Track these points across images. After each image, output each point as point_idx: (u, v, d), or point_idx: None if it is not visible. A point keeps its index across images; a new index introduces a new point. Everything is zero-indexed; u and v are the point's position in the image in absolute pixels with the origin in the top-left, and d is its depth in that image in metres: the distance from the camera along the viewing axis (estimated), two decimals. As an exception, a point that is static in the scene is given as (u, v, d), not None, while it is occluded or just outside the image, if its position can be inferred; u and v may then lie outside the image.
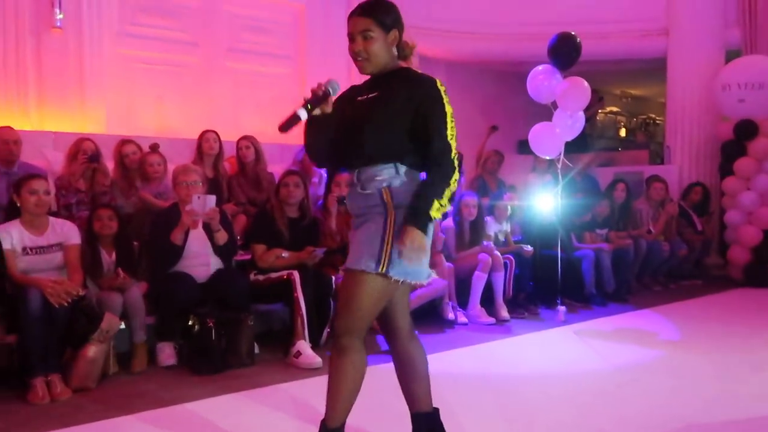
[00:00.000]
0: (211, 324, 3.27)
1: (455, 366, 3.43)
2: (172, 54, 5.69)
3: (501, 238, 4.94)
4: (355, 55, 1.95)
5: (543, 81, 4.64)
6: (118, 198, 4.07)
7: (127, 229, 3.62)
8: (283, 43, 6.38)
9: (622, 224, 5.84)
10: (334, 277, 3.80)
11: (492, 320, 4.45)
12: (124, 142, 4.31)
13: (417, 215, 1.85)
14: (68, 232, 3.22)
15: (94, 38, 5.20)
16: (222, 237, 3.59)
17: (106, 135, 4.77)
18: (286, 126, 1.91)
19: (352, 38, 1.94)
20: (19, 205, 3.13)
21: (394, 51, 1.98)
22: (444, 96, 1.91)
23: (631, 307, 5.12)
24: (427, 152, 1.90)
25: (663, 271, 6.17)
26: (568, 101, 4.57)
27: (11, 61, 4.79)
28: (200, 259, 3.60)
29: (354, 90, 2.06)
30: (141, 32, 5.49)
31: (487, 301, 4.57)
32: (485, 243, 4.63)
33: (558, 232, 4.71)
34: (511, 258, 4.72)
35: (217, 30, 5.95)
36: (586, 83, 4.59)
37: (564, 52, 4.54)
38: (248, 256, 3.98)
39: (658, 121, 12.49)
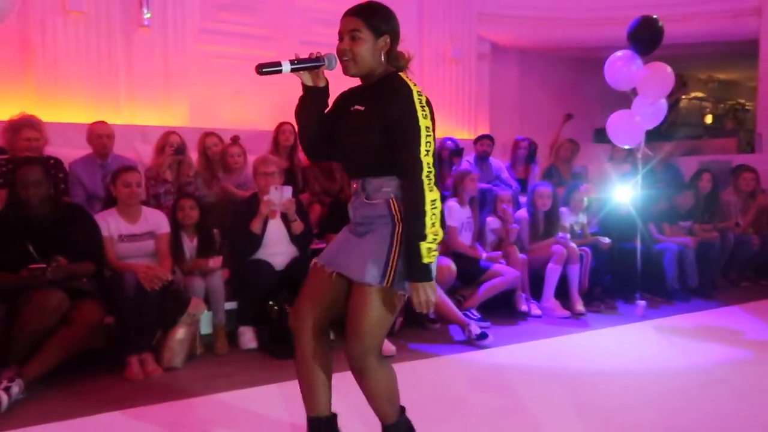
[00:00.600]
0: (288, 310, 3.39)
1: (528, 359, 3.40)
2: (249, 49, 5.88)
3: (577, 229, 4.82)
4: (339, 54, 1.87)
5: (622, 67, 4.46)
6: (201, 188, 4.27)
7: (208, 218, 3.80)
8: None
9: (707, 216, 5.54)
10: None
11: (567, 313, 4.36)
12: (207, 134, 4.51)
13: (413, 270, 1.78)
14: (159, 222, 3.43)
15: (178, 36, 5.46)
16: (298, 227, 3.71)
17: (189, 128, 5.01)
18: (264, 67, 1.81)
19: (340, 37, 1.87)
20: (114, 195, 3.35)
21: (382, 58, 1.88)
22: (418, 107, 1.78)
23: (716, 303, 4.87)
24: (399, 171, 1.80)
25: (752, 266, 5.83)
26: (648, 88, 4.38)
27: (104, 59, 5.10)
28: (278, 247, 3.73)
29: (349, 96, 1.97)
30: (220, 29, 5.72)
31: (562, 293, 4.49)
32: (560, 234, 4.54)
33: (637, 224, 4.55)
34: (587, 250, 4.60)
35: (291, 24, 6.09)
36: (669, 69, 4.38)
37: (645, 37, 4.35)
38: (323, 245, 4.08)
39: (747, 107, 11.75)
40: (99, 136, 4.14)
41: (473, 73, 7.43)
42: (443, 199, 1.96)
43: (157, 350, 3.14)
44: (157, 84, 5.35)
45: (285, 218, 3.71)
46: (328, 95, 1.97)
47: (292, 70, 1.86)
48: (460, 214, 4.31)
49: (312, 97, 1.94)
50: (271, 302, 3.51)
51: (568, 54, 8.45)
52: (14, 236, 2.92)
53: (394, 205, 1.84)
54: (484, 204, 4.72)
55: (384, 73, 1.89)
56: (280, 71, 1.83)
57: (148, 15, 5.17)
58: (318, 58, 1.87)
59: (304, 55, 1.88)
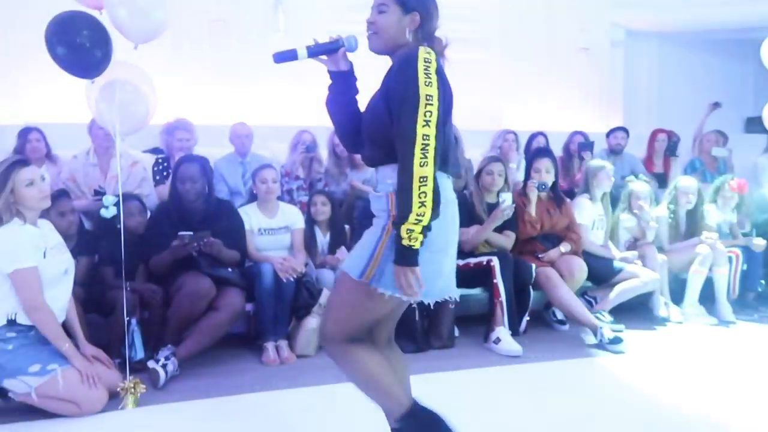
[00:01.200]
0: (414, 305, 3.43)
1: (665, 370, 3.16)
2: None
3: (725, 229, 4.41)
4: (367, 27, 1.76)
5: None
6: (331, 184, 4.44)
7: (339, 213, 3.94)
8: (481, 29, 6.36)
9: None
10: (534, 265, 3.73)
11: (713, 321, 4.01)
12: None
13: (397, 251, 1.60)
14: (295, 217, 3.62)
15: (309, 38, 5.69)
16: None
17: (320, 126, 5.21)
18: (280, 56, 1.76)
19: (371, 9, 1.76)
20: (255, 191, 3.59)
21: (408, 35, 1.73)
22: (421, 72, 1.58)
23: None
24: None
25: None
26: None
27: (243, 64, 5.45)
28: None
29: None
30: (349, 29, 5.88)
31: (707, 299, 4.12)
32: (706, 234, 4.17)
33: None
34: (738, 252, 4.19)
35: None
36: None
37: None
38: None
39: None
40: (239, 135, 4.44)
41: (605, 62, 7.03)
42: (459, 185, 1.85)
43: (291, 338, 3.31)
44: (290, 85, 5.62)
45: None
46: (355, 79, 1.85)
47: (310, 56, 1.78)
48: (591, 211, 4.11)
49: (338, 83, 1.83)
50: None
51: (714, 36, 7.71)
52: (172, 227, 3.22)
53: (392, 199, 1.67)
54: (616, 200, 4.46)
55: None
56: (295, 57, 1.76)
57: (281, 20, 5.45)
58: (336, 40, 1.79)
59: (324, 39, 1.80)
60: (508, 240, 3.78)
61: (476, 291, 3.80)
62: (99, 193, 3.56)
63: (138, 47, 2.75)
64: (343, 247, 3.67)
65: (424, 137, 1.56)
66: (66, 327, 2.67)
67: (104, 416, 2.53)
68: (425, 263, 1.63)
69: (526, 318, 3.68)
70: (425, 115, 1.57)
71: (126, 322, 2.80)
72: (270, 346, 3.22)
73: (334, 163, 4.59)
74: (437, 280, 1.72)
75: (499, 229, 3.76)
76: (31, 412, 2.52)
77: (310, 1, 5.66)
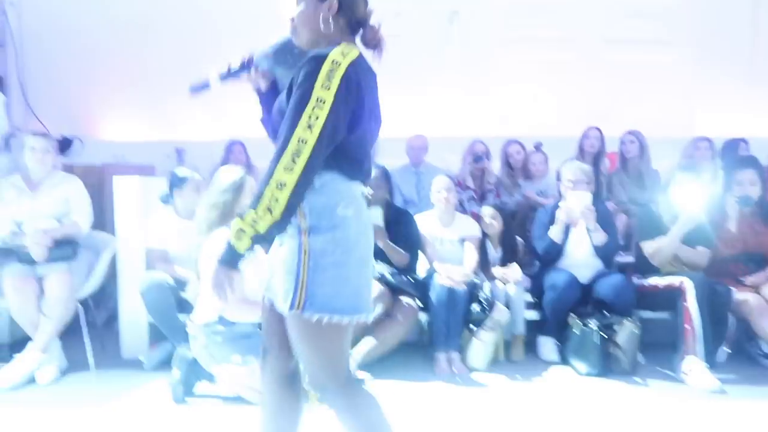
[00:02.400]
0: (593, 326, 3.25)
1: None
2: (547, 52, 5.80)
3: None
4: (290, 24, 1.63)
5: None
6: (503, 195, 4.38)
7: (511, 226, 3.86)
8: (668, 29, 5.85)
9: None
10: (733, 289, 3.33)
11: None
12: (510, 142, 4.61)
13: (223, 249, 1.47)
14: (470, 228, 3.64)
15: (482, 48, 5.68)
16: (599, 237, 3.52)
17: (492, 137, 5.18)
18: (194, 88, 1.71)
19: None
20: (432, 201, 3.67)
21: (327, 26, 1.56)
22: (322, 74, 1.43)
23: None
24: None
25: None
26: None
27: (415, 77, 5.60)
28: (581, 258, 3.60)
29: None
30: (523, 35, 5.76)
31: None
32: None
33: None
34: None
35: (593, 22, 5.81)
36: None
37: None
38: (631, 258, 3.80)
39: None
40: (413, 147, 4.58)
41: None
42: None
43: (463, 351, 3.32)
44: (462, 95, 5.66)
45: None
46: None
47: (223, 82, 1.71)
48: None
49: (263, 102, 1.74)
50: (573, 315, 3.40)
51: None
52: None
53: (300, 215, 1.49)
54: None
55: (327, 43, 1.55)
56: (207, 87, 1.71)
57: (456, 33, 5.51)
58: (248, 61, 1.69)
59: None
60: (701, 257, 3.43)
61: (662, 314, 3.50)
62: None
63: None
64: (515, 264, 3.60)
65: (300, 141, 1.42)
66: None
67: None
68: (351, 278, 1.49)
69: (725, 349, 3.29)
70: (309, 118, 1.42)
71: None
72: (442, 356, 3.25)
73: (506, 174, 4.53)
74: (352, 294, 1.51)
75: (691, 245, 3.42)
76: (234, 398, 2.82)
77: (485, 12, 5.65)
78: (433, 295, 3.29)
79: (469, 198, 4.38)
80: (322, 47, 1.53)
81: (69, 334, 3.33)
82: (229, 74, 1.71)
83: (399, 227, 3.45)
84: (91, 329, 3.38)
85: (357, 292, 1.51)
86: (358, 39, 1.64)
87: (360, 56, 1.54)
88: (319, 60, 1.47)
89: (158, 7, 5.44)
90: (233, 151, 4.57)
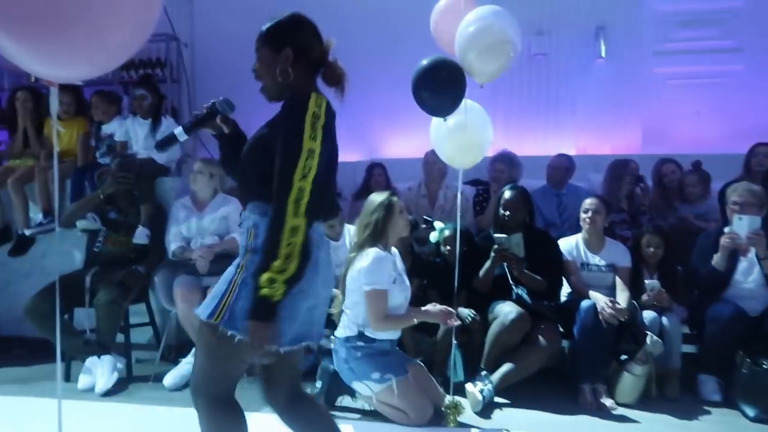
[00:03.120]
0: (766, 365, 2.88)
1: None
2: (712, 65, 5.33)
3: None
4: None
5: None
6: (656, 218, 4.06)
7: (668, 251, 3.56)
8: (737, 37, 5.18)
9: None
10: None
11: None
12: (664, 161, 4.28)
13: (253, 303, 1.54)
14: (621, 255, 3.41)
15: (632, 63, 5.37)
16: (769, 265, 3.13)
17: (641, 155, 4.85)
18: (160, 143, 1.83)
19: None
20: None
21: (285, 76, 1.69)
22: (307, 126, 1.58)
23: None
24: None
25: None
26: None
27: (561, 94, 5.43)
28: (750, 289, 3.22)
29: None
30: (677, 48, 5.36)
31: None
32: None
33: None
34: None
35: (762, 30, 5.24)
36: None
37: None
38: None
39: None
40: (556, 168, 4.41)
41: None
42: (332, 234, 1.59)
43: (610, 383, 3.10)
44: (609, 113, 5.38)
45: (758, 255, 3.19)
46: (241, 136, 1.85)
47: (189, 133, 1.80)
48: None
49: (224, 146, 1.85)
50: (741, 352, 3.04)
51: None
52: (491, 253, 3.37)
53: (250, 235, 1.65)
54: None
55: (296, 94, 1.68)
56: (176, 141, 1.81)
57: (604, 47, 5.27)
58: (210, 109, 1.80)
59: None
60: None
61: None
62: (427, 222, 3.92)
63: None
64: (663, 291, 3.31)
65: (300, 190, 1.55)
66: (400, 343, 3.00)
67: (429, 430, 2.73)
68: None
69: None
70: (304, 169, 1.56)
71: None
72: (587, 388, 3.06)
73: (660, 195, 4.20)
74: (292, 325, 1.63)
75: None
76: (370, 413, 2.88)
77: (633, 25, 5.34)
78: (579, 322, 3.12)
79: (621, 221, 4.11)
80: (287, 95, 1.71)
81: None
82: (196, 124, 1.83)
83: (539, 250, 3.33)
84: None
85: (281, 321, 1.58)
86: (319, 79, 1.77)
87: (328, 102, 1.69)
88: (300, 111, 1.62)
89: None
90: (374, 173, 4.72)
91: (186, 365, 3.39)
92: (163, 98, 4.51)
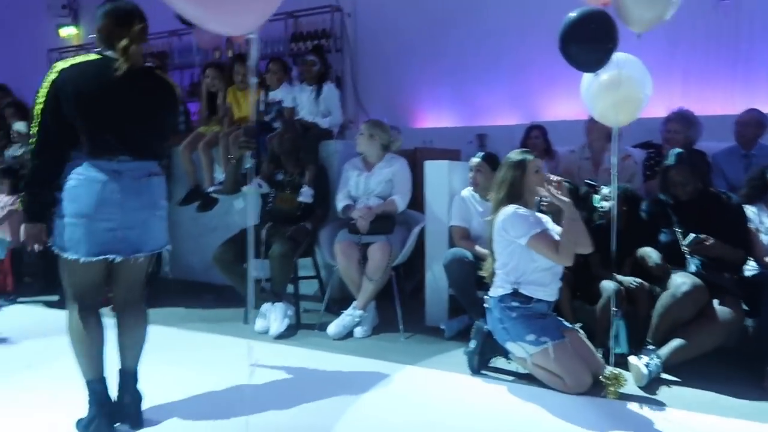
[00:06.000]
0: None
1: None
2: None
3: None
4: None
5: None
6: None
7: None
8: None
9: None
10: None
11: None
12: None
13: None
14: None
15: None
16: None
17: None
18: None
19: None
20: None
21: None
22: (45, 82, 2.14)
23: None
24: None
25: None
26: None
27: (756, 44, 4.76)
28: None
29: None
30: None
31: None
32: None
33: None
34: None
35: None
36: None
37: None
38: None
39: None
40: (745, 125, 3.92)
41: None
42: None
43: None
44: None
45: None
46: None
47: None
48: None
49: None
50: None
51: None
52: (664, 221, 3.13)
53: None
54: None
55: None
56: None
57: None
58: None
59: None
60: None
61: None
62: (589, 185, 3.70)
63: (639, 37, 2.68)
64: None
65: (35, 127, 2.18)
66: (557, 307, 2.91)
67: (587, 399, 2.64)
68: (68, 228, 2.16)
69: None
70: (36, 110, 2.16)
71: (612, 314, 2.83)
72: (772, 370, 2.73)
73: None
74: (90, 241, 2.16)
75: None
76: (524, 376, 2.85)
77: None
78: (766, 297, 2.78)
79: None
80: None
81: (381, 297, 3.78)
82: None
83: (718, 215, 3.00)
84: (399, 296, 3.76)
85: (68, 239, 2.16)
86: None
87: (76, 65, 2.19)
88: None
89: (460, 8, 5.76)
90: (531, 136, 4.55)
91: (347, 317, 3.61)
92: (330, 67, 4.75)
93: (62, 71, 2.13)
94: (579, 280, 3.23)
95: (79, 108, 2.11)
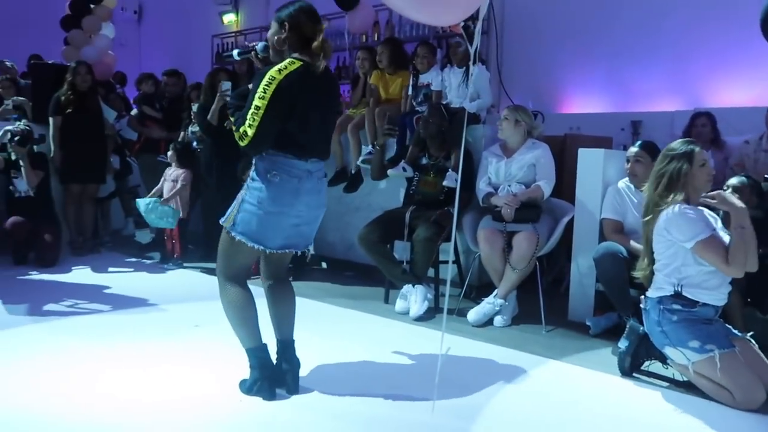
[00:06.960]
0: None
1: None
2: None
3: None
4: None
5: None
6: None
7: None
8: None
9: None
10: None
11: None
12: None
13: None
14: None
15: None
16: None
17: None
18: (223, 54, 2.17)
19: None
20: None
21: (282, 45, 2.32)
22: (261, 86, 2.19)
23: None
24: None
25: None
26: None
27: None
28: None
29: None
30: None
31: None
32: None
33: None
34: None
35: None
36: None
37: None
38: None
39: None
40: None
41: None
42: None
43: None
44: None
45: None
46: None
47: (240, 56, 2.69)
48: None
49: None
50: None
51: None
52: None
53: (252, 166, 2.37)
54: None
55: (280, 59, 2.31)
56: (231, 57, 2.76)
57: None
58: (252, 47, 2.53)
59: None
60: None
61: None
62: (768, 180, 3.31)
63: None
64: None
65: (244, 133, 2.23)
66: (725, 313, 2.66)
67: (758, 417, 2.38)
68: (262, 220, 2.28)
69: None
70: (253, 115, 2.20)
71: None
72: None
73: None
74: (279, 236, 2.32)
75: None
76: (682, 384, 2.65)
77: None
78: None
79: None
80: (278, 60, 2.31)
81: (522, 288, 3.68)
82: (244, 52, 2.64)
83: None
84: (542, 287, 3.64)
85: (265, 232, 2.30)
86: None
87: (304, 67, 2.25)
88: (263, 71, 2.25)
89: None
90: (696, 124, 4.16)
91: (488, 305, 3.57)
92: (476, 49, 4.65)
93: (287, 76, 2.19)
94: (752, 285, 2.92)
95: (298, 113, 2.23)
